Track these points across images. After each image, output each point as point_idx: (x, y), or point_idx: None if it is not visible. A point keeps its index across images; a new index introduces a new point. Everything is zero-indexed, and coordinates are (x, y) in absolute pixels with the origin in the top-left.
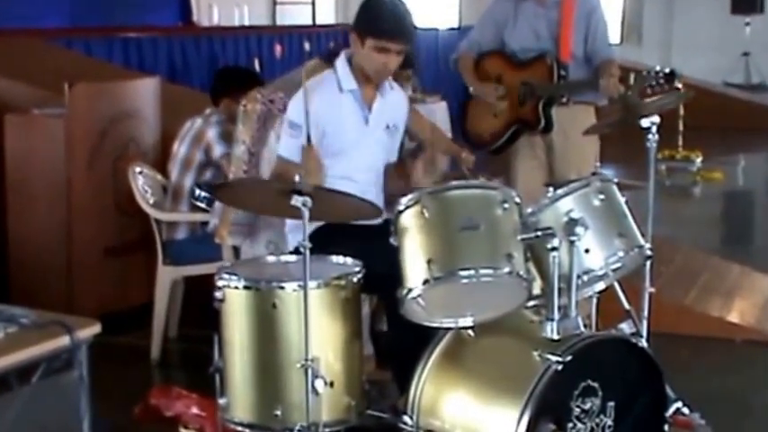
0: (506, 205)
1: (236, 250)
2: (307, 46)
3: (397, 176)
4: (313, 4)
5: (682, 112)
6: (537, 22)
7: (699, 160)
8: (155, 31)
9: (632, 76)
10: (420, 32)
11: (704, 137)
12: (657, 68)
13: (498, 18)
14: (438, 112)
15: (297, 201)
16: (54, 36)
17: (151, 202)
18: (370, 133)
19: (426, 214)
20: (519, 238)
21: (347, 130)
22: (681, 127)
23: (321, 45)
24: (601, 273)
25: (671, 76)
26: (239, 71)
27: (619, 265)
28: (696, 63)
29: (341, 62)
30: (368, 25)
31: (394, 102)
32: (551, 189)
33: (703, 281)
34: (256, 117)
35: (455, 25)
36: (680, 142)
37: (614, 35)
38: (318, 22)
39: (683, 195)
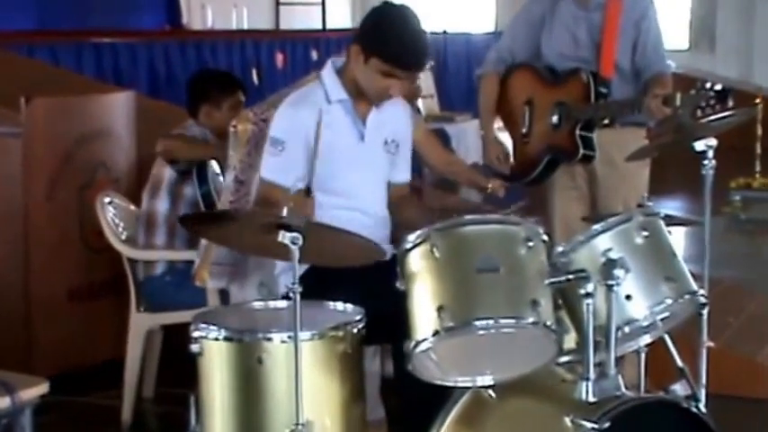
0: (531, 243)
1: (225, 295)
2: (314, 54)
3: (413, 205)
4: (323, 5)
5: (759, 132)
6: (576, 25)
7: None
8: (133, 36)
9: (678, 97)
10: (448, 37)
11: None
12: (708, 85)
13: (533, 20)
14: (469, 133)
15: (284, 237)
16: (14, 41)
17: (123, 237)
18: (366, 150)
19: (437, 254)
20: (546, 282)
21: (340, 147)
22: (758, 150)
23: (331, 53)
24: (645, 323)
25: (723, 95)
26: (216, 73)
27: (667, 314)
28: None
29: (327, 71)
30: (378, 44)
31: (392, 114)
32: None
33: None
34: (247, 139)
35: (490, 29)
36: (757, 168)
37: (681, 40)
38: (329, 26)
39: (760, 232)
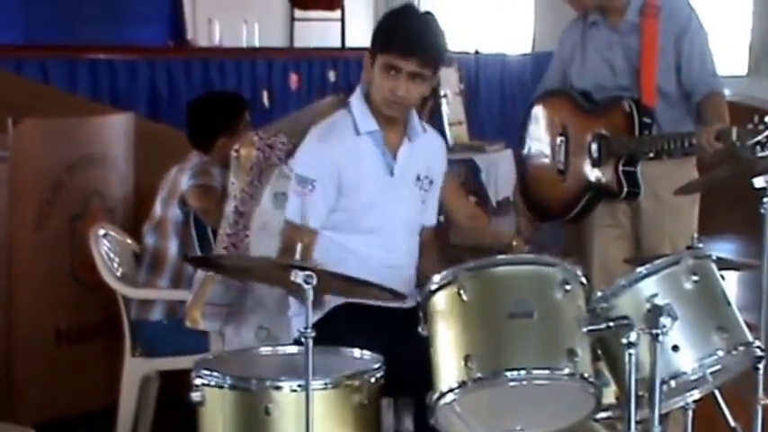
0: (568, 287)
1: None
2: (332, 75)
3: (432, 254)
4: (342, 20)
5: None
6: (612, 52)
7: None
8: (133, 52)
9: (733, 131)
10: (481, 58)
11: None
12: (767, 118)
13: (565, 54)
14: (501, 164)
15: (298, 277)
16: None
17: (118, 273)
18: (396, 186)
19: (465, 297)
20: (584, 329)
21: (369, 183)
22: None
23: (351, 74)
24: (694, 377)
25: None
26: (220, 98)
27: (718, 367)
28: None
29: (356, 99)
30: (379, 40)
31: (427, 148)
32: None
33: None
34: (250, 166)
35: (527, 50)
36: None
37: (740, 64)
38: (349, 44)
39: None
